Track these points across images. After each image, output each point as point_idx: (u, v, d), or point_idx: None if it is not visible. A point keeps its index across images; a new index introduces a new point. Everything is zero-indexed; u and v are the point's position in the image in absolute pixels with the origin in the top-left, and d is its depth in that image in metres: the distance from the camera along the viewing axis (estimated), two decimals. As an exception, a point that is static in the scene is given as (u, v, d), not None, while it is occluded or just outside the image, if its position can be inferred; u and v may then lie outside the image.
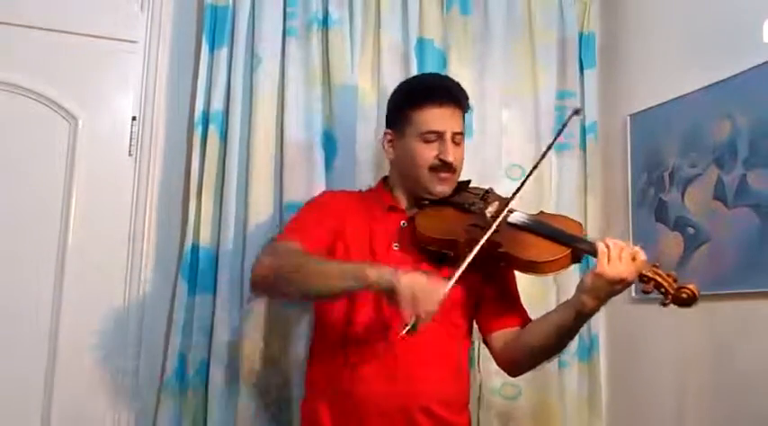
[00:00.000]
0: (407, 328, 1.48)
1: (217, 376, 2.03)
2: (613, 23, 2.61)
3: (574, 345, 2.36)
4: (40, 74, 2.10)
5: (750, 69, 2.06)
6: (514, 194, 1.77)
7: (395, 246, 1.78)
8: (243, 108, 2.16)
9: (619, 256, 1.56)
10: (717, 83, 2.17)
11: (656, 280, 1.57)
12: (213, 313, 2.07)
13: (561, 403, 2.32)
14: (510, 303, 1.83)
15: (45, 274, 2.05)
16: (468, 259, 1.61)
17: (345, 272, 1.60)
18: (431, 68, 2.32)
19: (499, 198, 1.84)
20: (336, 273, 1.62)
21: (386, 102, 1.94)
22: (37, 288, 2.04)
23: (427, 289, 1.50)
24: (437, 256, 1.74)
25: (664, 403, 2.28)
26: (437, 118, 1.79)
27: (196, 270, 2.09)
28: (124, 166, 2.16)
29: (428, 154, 1.78)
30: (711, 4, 2.26)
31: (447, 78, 1.96)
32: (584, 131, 2.51)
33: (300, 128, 2.18)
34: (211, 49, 2.19)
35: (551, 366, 2.29)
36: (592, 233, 2.36)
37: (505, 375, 2.27)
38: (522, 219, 1.76)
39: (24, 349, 2.01)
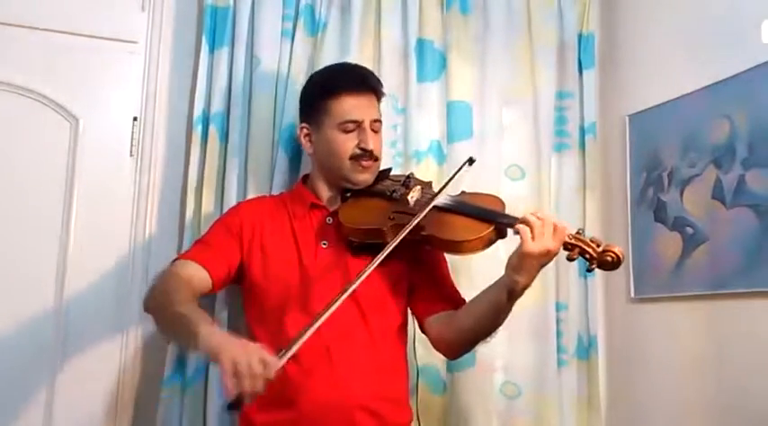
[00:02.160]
0: (227, 403, 1.36)
1: (216, 376, 2.03)
2: (613, 24, 2.61)
3: (573, 345, 2.37)
4: (40, 74, 2.10)
5: (750, 69, 2.07)
6: (440, 190, 1.76)
7: (323, 244, 1.77)
8: (243, 108, 2.16)
9: (541, 231, 1.56)
10: (716, 83, 2.17)
11: (579, 247, 1.59)
12: (212, 312, 2.07)
13: (561, 402, 2.32)
14: (441, 287, 1.83)
15: (46, 274, 2.06)
16: (387, 249, 1.59)
17: (186, 328, 1.50)
18: (431, 68, 2.33)
19: (420, 182, 1.86)
20: (180, 328, 1.55)
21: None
22: (38, 288, 2.05)
23: (254, 366, 1.35)
24: (365, 248, 1.72)
25: (663, 403, 2.29)
26: (354, 107, 1.78)
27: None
28: (125, 167, 2.17)
29: (348, 143, 1.78)
30: (711, 4, 2.26)
31: (360, 66, 1.95)
32: (583, 131, 2.51)
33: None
34: (212, 50, 2.19)
35: (551, 366, 2.30)
36: (591, 233, 2.34)
37: (506, 373, 2.31)
38: (443, 201, 1.75)
39: (26, 349, 2.01)
